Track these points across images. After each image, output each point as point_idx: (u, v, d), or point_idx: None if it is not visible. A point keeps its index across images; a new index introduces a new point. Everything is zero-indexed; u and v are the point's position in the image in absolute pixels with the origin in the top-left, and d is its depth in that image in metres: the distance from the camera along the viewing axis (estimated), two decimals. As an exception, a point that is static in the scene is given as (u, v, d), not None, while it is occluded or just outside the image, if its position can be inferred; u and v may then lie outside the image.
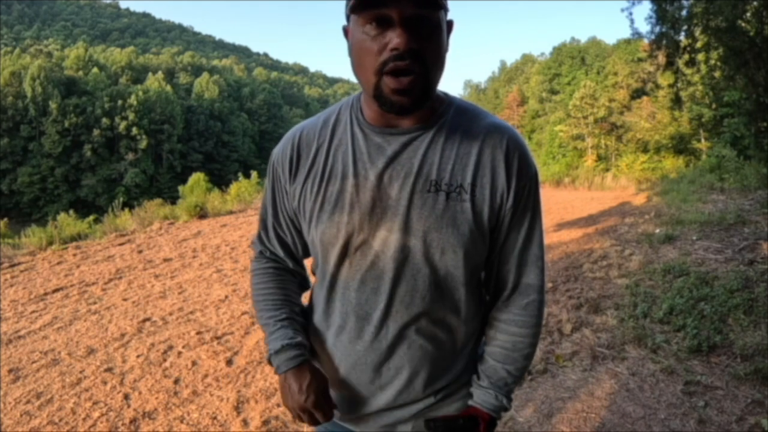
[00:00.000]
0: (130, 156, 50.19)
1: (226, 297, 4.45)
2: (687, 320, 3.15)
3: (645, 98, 32.97)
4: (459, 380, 0.94)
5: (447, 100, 0.88)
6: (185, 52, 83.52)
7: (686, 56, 8.08)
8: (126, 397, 2.71)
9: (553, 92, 48.10)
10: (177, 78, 65.52)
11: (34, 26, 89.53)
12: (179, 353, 3.27)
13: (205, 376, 2.94)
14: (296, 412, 0.93)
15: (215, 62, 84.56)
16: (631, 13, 9.29)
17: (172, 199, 13.05)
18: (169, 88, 57.68)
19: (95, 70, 54.14)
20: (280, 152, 0.93)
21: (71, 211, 11.11)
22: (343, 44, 0.85)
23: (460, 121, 0.86)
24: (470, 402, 0.92)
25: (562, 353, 2.99)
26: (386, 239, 0.82)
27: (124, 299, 4.45)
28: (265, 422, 2.43)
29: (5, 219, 11.60)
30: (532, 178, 0.86)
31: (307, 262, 1.03)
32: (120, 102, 51.22)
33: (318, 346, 0.97)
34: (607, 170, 27.08)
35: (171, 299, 4.43)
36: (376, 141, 0.85)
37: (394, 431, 0.94)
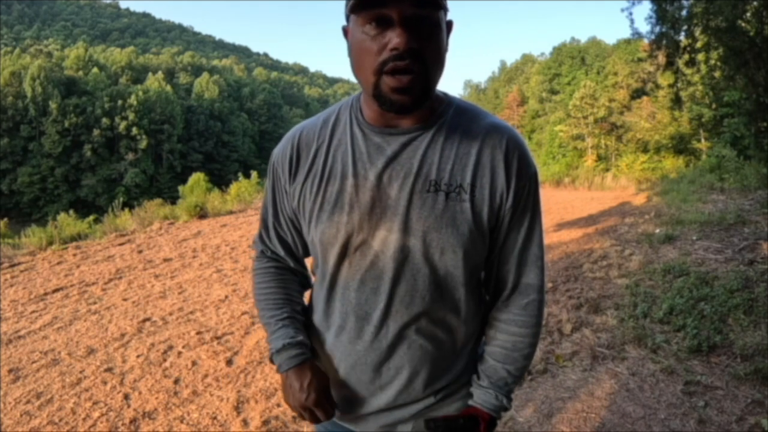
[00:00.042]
0: (130, 156, 50.19)
1: (226, 297, 4.45)
2: (687, 320, 3.15)
3: (645, 98, 32.97)
4: (459, 380, 0.94)
5: (446, 100, 0.88)
6: (185, 52, 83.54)
7: (686, 56, 8.08)
8: (126, 397, 2.71)
9: (553, 92, 48.10)
10: (177, 78, 65.53)
11: (34, 26, 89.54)
12: (179, 353, 3.27)
13: (205, 376, 2.94)
14: (298, 411, 0.93)
15: (215, 62, 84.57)
16: (631, 13, 9.30)
17: (172, 199, 13.05)
18: (169, 88, 57.68)
19: (95, 70, 54.15)
20: (280, 152, 0.94)
21: (71, 211, 11.12)
22: (343, 44, 0.85)
23: (459, 121, 0.86)
24: (470, 402, 0.92)
25: (562, 353, 2.99)
26: (386, 239, 0.82)
27: (124, 299, 4.45)
28: (265, 422, 2.43)
29: (5, 219, 11.61)
30: (532, 178, 0.86)
31: (308, 261, 1.04)
32: (120, 102, 51.22)
33: (318, 346, 0.97)
34: (607, 170, 27.07)
35: (171, 299, 4.43)
36: (375, 141, 0.85)
37: (394, 431, 0.94)
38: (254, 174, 13.65)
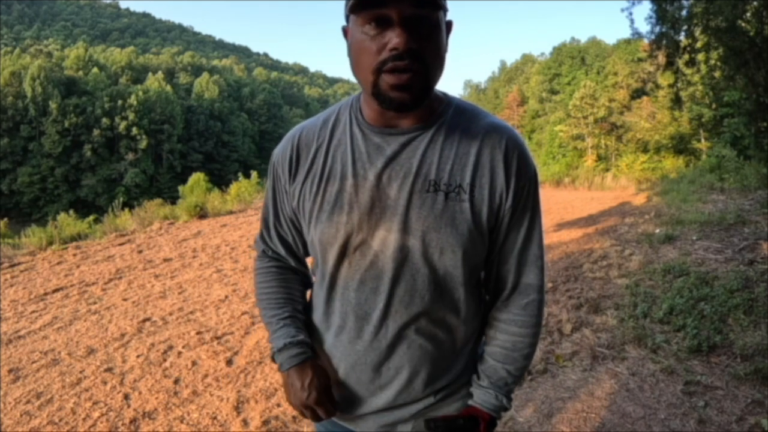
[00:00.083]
0: (130, 156, 50.20)
1: (226, 297, 4.45)
2: (687, 320, 3.15)
3: (645, 98, 32.98)
4: (459, 380, 0.94)
5: (446, 100, 0.88)
6: (185, 52, 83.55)
7: (686, 56, 8.08)
8: (126, 397, 2.71)
9: (553, 92, 48.10)
10: (177, 78, 65.53)
11: (34, 26, 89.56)
12: (179, 353, 3.27)
13: (205, 376, 2.94)
14: (299, 409, 0.94)
15: (215, 62, 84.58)
16: (631, 13, 9.31)
17: (172, 199, 13.05)
18: (169, 88, 57.68)
19: (95, 70, 54.15)
20: (280, 152, 0.94)
21: (71, 211, 11.11)
22: (342, 44, 0.85)
23: (459, 121, 0.86)
24: (470, 402, 0.92)
25: (562, 353, 2.99)
26: (385, 239, 0.82)
27: (124, 299, 4.45)
28: (265, 422, 2.43)
29: (5, 219, 11.60)
30: (532, 178, 0.86)
31: (310, 261, 1.04)
32: (120, 102, 51.23)
33: (318, 345, 0.97)
34: (607, 170, 27.08)
35: (171, 299, 4.43)
36: (375, 141, 0.85)
37: (393, 431, 0.94)
38: (254, 174, 13.65)
